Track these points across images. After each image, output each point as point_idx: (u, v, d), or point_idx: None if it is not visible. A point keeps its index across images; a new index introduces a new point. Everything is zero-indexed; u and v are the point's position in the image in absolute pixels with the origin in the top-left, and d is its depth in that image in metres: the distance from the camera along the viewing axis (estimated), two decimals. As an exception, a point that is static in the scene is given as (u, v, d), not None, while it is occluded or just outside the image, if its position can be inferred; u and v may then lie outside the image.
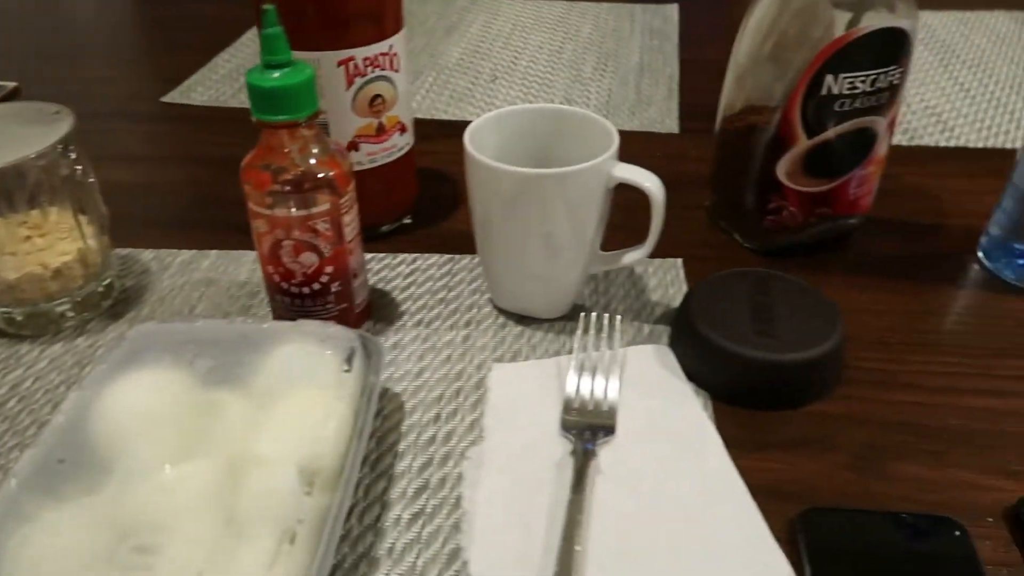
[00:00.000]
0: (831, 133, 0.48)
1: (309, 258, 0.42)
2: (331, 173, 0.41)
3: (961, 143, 0.66)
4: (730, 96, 0.52)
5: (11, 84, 0.77)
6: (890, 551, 0.34)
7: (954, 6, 0.92)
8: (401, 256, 0.53)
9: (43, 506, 0.31)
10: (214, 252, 0.54)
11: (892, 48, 0.46)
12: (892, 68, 0.46)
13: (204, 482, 0.32)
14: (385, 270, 0.52)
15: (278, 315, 0.45)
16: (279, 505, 0.31)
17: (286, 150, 0.40)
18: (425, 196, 0.58)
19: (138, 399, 0.36)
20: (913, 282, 0.50)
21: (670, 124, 0.69)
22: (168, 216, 0.58)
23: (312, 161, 0.40)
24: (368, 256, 0.53)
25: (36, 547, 0.30)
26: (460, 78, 0.78)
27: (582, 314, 0.47)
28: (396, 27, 0.49)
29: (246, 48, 0.85)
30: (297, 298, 0.43)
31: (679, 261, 0.52)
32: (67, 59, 0.84)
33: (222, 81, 0.78)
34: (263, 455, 0.33)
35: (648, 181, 0.42)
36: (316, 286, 0.43)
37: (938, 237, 0.54)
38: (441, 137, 0.68)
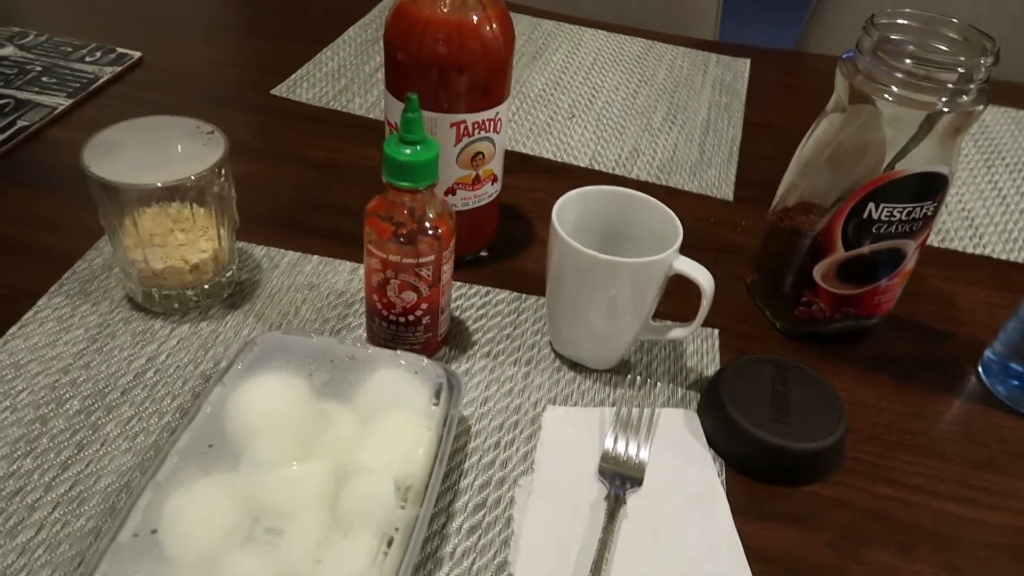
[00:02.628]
0: (866, 249, 0.55)
1: (409, 296, 0.50)
2: (440, 230, 0.49)
3: (988, 252, 0.72)
4: (788, 186, 0.59)
5: (136, 54, 0.85)
6: (850, 622, 0.42)
7: (1011, 102, 0.97)
8: (476, 288, 0.61)
9: (196, 478, 0.40)
10: (316, 257, 0.62)
11: (931, 188, 0.52)
12: (928, 203, 0.53)
13: (318, 481, 0.41)
14: (462, 299, 0.60)
15: (372, 333, 0.54)
16: (380, 511, 0.39)
17: (406, 210, 0.48)
18: (501, 232, 0.66)
19: (268, 399, 0.45)
20: (916, 385, 0.58)
21: (726, 190, 0.76)
22: (277, 214, 0.66)
23: (425, 220, 0.48)
24: (447, 283, 0.61)
25: (190, 513, 0.39)
26: (541, 110, 0.85)
27: (628, 376, 0.55)
28: (503, 97, 0.56)
29: (347, 46, 0.93)
30: (393, 325, 0.52)
31: (716, 332, 0.60)
32: (188, 33, 0.92)
33: (325, 79, 0.86)
34: (366, 465, 0.42)
35: (702, 276, 0.50)
36: (411, 318, 0.51)
37: (947, 344, 0.62)
38: (520, 172, 0.75)
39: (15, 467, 0.45)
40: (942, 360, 0.60)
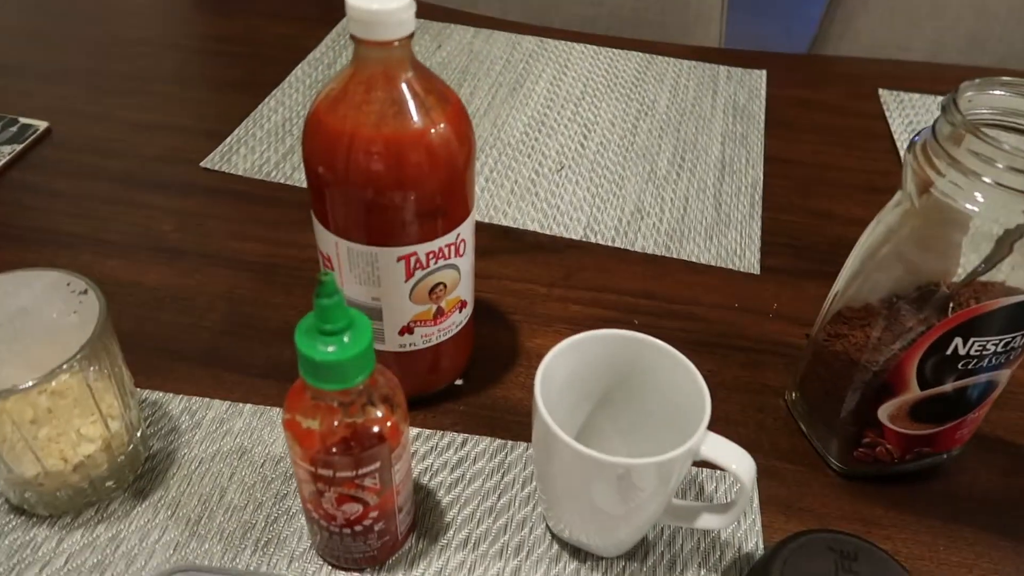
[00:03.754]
0: (948, 387, 0.42)
1: (353, 508, 0.38)
2: (386, 425, 0.36)
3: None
4: (842, 289, 0.46)
5: (42, 124, 0.72)
6: None
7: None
8: (449, 436, 0.49)
9: None
10: (248, 407, 0.50)
11: (1036, 312, 0.40)
12: (1031, 328, 0.40)
13: None
14: (432, 455, 0.48)
15: (313, 535, 0.42)
16: None
17: (335, 415, 0.35)
18: (478, 344, 0.53)
19: None
20: (1007, 539, 0.45)
21: (750, 259, 0.63)
22: (200, 345, 0.54)
23: (363, 417, 0.36)
24: (414, 431, 0.49)
25: None
26: (524, 163, 0.71)
27: (646, 563, 0.43)
28: (464, 215, 0.43)
29: (293, 91, 0.79)
30: (336, 535, 0.40)
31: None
32: (104, 92, 0.78)
33: (266, 139, 0.73)
34: None
35: (739, 467, 0.37)
36: (358, 528, 0.39)
37: (1042, 471, 0.49)
38: (501, 254, 0.62)
39: None
40: (1040, 497, 0.48)
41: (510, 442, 0.49)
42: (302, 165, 0.69)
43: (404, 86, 0.38)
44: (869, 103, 0.82)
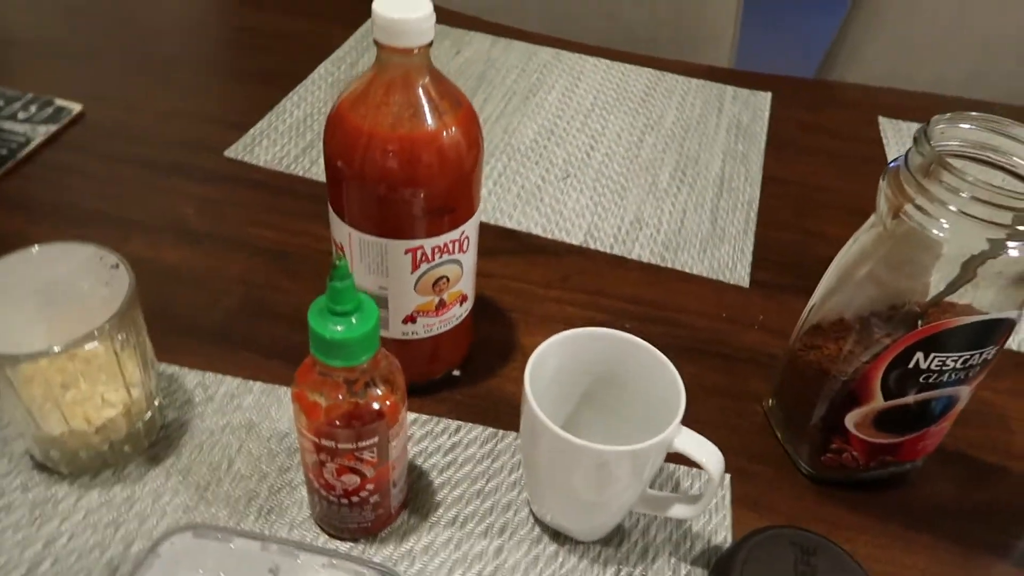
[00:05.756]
0: (910, 399, 0.45)
1: (351, 479, 0.41)
2: (387, 403, 0.40)
3: (1047, 349, 0.62)
4: (820, 301, 0.49)
5: (76, 107, 0.76)
6: None
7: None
8: (444, 423, 0.52)
9: None
10: (258, 385, 0.53)
11: (992, 333, 0.43)
12: (988, 348, 0.43)
13: None
14: (427, 439, 0.51)
15: (313, 508, 0.45)
16: None
17: (340, 389, 0.39)
18: (477, 339, 0.56)
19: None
20: (962, 547, 0.48)
21: (741, 272, 0.66)
22: (216, 324, 0.57)
23: (365, 395, 0.39)
24: (411, 416, 0.52)
25: None
26: (531, 169, 0.75)
27: (620, 549, 0.46)
28: (470, 213, 0.46)
29: (316, 88, 0.83)
30: (335, 505, 0.43)
31: (727, 478, 0.50)
32: (137, 77, 0.82)
33: (288, 133, 0.76)
34: None
35: (708, 460, 0.40)
36: (355, 499, 0.42)
37: (998, 486, 0.52)
38: (503, 255, 0.65)
39: None
40: (993, 509, 0.50)
41: (501, 431, 0.52)
42: (320, 160, 0.73)
43: (420, 91, 0.42)
44: (869, 129, 0.85)
